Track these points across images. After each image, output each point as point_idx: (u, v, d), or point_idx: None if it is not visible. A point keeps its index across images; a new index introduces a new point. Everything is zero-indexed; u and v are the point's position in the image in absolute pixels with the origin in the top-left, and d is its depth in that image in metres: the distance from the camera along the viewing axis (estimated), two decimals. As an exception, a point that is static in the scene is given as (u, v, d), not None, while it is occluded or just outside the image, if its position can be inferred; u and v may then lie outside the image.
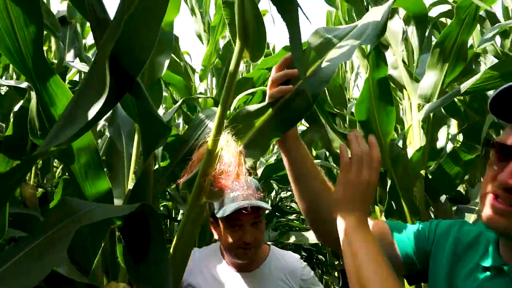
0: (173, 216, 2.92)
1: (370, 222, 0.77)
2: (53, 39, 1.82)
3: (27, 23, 0.66)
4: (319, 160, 2.35)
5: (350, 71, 2.82)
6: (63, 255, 0.34)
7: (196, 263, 1.12)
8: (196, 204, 0.66)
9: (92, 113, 0.37)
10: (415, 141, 1.28)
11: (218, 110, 0.67)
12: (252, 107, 0.70)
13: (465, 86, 1.06)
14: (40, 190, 1.72)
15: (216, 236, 1.12)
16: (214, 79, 2.55)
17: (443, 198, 1.36)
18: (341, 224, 0.63)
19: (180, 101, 1.95)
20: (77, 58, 1.75)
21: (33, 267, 0.34)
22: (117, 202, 1.13)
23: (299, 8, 0.47)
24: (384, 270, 0.58)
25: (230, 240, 1.05)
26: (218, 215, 1.05)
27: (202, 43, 2.41)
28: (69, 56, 1.73)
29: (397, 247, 0.72)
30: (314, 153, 2.67)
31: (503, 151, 0.56)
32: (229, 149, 0.66)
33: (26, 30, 0.66)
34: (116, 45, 0.44)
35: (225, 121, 0.67)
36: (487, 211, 0.56)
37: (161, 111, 3.36)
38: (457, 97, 1.27)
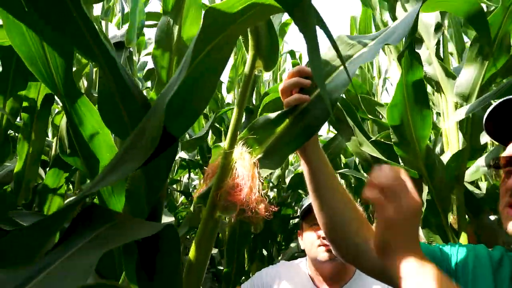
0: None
1: None
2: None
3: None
4: (348, 169, 2.24)
5: (378, 76, 2.68)
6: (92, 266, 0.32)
7: (280, 272, 1.16)
8: (210, 218, 0.64)
9: (135, 167, 0.40)
10: (452, 145, 1.16)
11: (231, 122, 0.66)
12: (270, 115, 0.67)
13: (509, 83, 0.94)
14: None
15: (302, 246, 1.16)
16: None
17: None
18: (400, 269, 0.51)
19: (213, 117, 1.98)
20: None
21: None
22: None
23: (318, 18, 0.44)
24: None
25: (310, 239, 1.09)
26: (300, 216, 1.13)
27: None
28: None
29: None
30: (343, 160, 2.56)
31: (506, 164, 0.57)
32: (243, 162, 0.64)
33: (57, 58, 0.72)
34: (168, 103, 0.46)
35: (238, 133, 0.66)
36: (506, 223, 0.55)
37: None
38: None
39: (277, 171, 3.04)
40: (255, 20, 0.55)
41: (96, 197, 0.85)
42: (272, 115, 0.67)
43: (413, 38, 1.18)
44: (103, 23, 1.76)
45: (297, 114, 0.64)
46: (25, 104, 1.30)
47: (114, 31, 1.85)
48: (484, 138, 1.19)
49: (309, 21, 0.40)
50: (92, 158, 0.82)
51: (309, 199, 1.11)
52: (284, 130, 0.65)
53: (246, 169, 0.63)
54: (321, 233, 1.06)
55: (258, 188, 0.63)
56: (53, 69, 0.73)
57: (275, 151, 0.66)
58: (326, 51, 0.68)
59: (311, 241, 1.11)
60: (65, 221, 0.37)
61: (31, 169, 1.38)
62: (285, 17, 2.61)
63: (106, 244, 0.34)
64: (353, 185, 2.48)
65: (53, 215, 0.35)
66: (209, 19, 0.50)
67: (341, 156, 2.54)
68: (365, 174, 1.94)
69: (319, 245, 1.08)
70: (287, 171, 2.94)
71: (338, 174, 2.48)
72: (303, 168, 0.72)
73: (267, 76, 2.96)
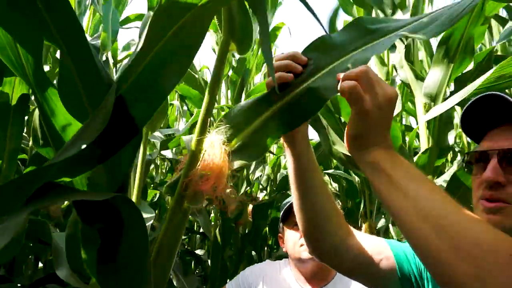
0: (195, 229, 2.87)
1: (368, 236, 0.69)
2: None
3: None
4: (336, 170, 2.19)
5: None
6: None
7: (266, 271, 1.13)
8: (178, 208, 0.58)
9: (88, 142, 0.39)
10: (422, 144, 1.15)
11: (202, 107, 0.61)
12: (248, 102, 0.59)
13: (475, 84, 0.94)
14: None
15: (284, 248, 1.14)
16: (229, 91, 2.52)
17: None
18: (368, 162, 0.49)
19: (195, 113, 1.93)
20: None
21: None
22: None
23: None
24: (452, 201, 0.44)
25: (293, 239, 1.06)
26: (281, 221, 1.11)
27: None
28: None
29: (395, 263, 0.63)
30: (334, 163, 2.51)
31: (481, 158, 0.56)
32: (213, 150, 0.59)
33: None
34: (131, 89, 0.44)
35: (209, 119, 0.61)
36: (482, 215, 0.53)
37: (182, 125, 3.41)
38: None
39: (267, 172, 2.96)
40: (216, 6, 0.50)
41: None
42: (250, 101, 0.58)
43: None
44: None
45: (282, 104, 0.55)
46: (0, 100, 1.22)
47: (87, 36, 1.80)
48: (451, 138, 1.19)
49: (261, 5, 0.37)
50: (64, 149, 0.76)
51: (288, 202, 1.09)
52: (266, 119, 0.56)
53: (216, 158, 0.58)
54: None
55: (227, 178, 0.58)
56: (23, 58, 0.68)
57: (253, 142, 0.58)
58: (335, 35, 0.56)
59: (294, 240, 1.07)
60: (29, 191, 0.34)
61: (9, 167, 1.31)
62: (276, 21, 2.64)
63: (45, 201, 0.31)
64: (344, 188, 2.43)
65: (15, 181, 0.34)
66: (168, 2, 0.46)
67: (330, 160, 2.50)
68: (356, 177, 1.90)
69: (302, 245, 1.04)
70: (278, 174, 2.86)
71: (329, 176, 2.43)
72: (288, 160, 0.65)
73: (257, 79, 2.93)
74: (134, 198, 1.14)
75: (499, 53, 1.76)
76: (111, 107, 0.39)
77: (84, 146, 0.37)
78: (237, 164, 0.61)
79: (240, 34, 0.58)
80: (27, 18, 0.46)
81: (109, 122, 0.44)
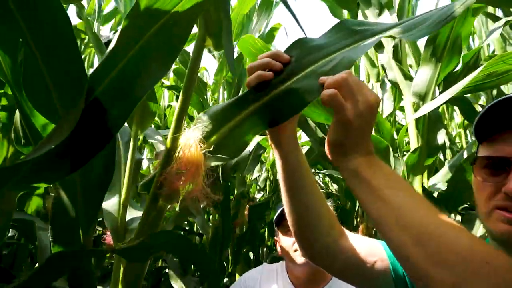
0: (195, 230, 2.83)
1: (361, 237, 0.66)
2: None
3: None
4: (332, 170, 2.11)
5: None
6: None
7: (262, 275, 1.12)
8: (153, 206, 0.56)
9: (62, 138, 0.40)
10: (412, 144, 1.12)
11: (178, 104, 0.59)
12: (229, 101, 0.57)
13: (463, 83, 0.91)
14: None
15: (280, 252, 1.11)
16: (225, 92, 2.48)
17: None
18: (349, 170, 0.48)
19: (197, 118, 1.91)
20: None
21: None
22: (113, 210, 1.08)
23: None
24: (432, 208, 0.43)
25: (287, 244, 1.05)
26: (275, 226, 1.08)
27: (215, 57, 2.38)
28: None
29: (389, 264, 0.60)
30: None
31: (495, 164, 0.51)
32: (188, 148, 0.56)
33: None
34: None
35: (184, 117, 0.58)
36: (500, 226, 0.48)
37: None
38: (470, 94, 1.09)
39: (264, 174, 2.90)
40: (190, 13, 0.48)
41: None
42: (231, 100, 0.57)
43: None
44: (95, 24, 1.70)
45: (262, 103, 0.53)
46: (4, 102, 1.21)
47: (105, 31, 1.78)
48: (441, 137, 1.15)
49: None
50: (45, 148, 0.74)
51: (282, 206, 1.06)
52: (245, 117, 0.54)
53: (191, 156, 0.56)
54: None
55: (202, 177, 0.55)
56: (1, 57, 0.66)
57: (231, 139, 0.56)
58: (320, 36, 0.55)
59: (288, 246, 1.06)
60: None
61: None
62: (273, 22, 2.63)
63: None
64: (343, 189, 2.34)
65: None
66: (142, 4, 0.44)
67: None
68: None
69: (296, 250, 1.03)
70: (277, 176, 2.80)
71: (328, 176, 2.36)
72: (276, 162, 0.61)
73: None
74: (122, 197, 1.11)
75: (496, 52, 1.73)
76: (81, 109, 0.37)
77: (48, 149, 0.36)
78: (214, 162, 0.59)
79: (216, 30, 0.55)
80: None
81: (82, 127, 0.42)
